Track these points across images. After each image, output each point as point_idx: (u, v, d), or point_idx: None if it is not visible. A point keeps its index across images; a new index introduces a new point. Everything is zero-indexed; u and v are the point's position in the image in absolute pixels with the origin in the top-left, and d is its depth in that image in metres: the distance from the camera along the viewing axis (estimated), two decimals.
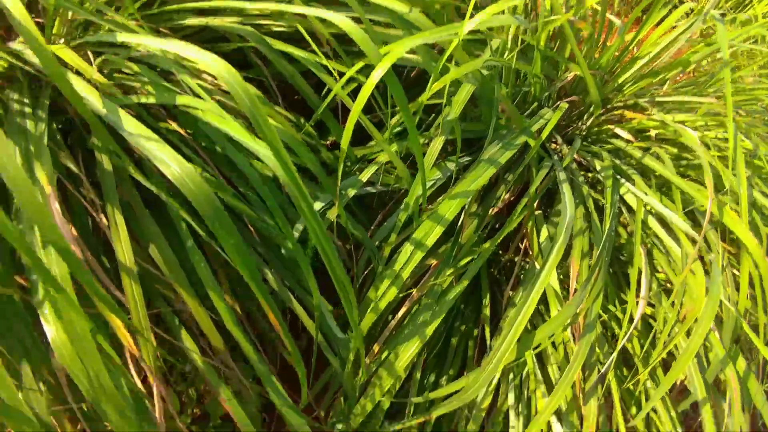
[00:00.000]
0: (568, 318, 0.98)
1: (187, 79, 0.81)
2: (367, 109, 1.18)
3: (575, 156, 1.26)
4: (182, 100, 0.77)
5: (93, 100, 0.74)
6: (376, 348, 1.11)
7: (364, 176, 1.05)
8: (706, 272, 1.03)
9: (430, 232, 0.96)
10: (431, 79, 0.89)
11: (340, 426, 1.11)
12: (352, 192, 1.06)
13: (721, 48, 1.08)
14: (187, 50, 0.70)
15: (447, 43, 0.89)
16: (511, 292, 1.25)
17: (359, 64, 0.82)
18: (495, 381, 1.19)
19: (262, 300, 0.78)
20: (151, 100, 0.79)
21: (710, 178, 0.97)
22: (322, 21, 1.02)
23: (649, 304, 1.23)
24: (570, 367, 0.99)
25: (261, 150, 0.70)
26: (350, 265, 1.20)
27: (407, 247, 0.96)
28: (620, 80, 1.42)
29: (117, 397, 0.68)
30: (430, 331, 1.01)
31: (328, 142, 1.29)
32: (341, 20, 0.80)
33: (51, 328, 0.69)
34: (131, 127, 0.69)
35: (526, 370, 1.24)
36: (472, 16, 0.85)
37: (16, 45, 0.84)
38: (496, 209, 1.23)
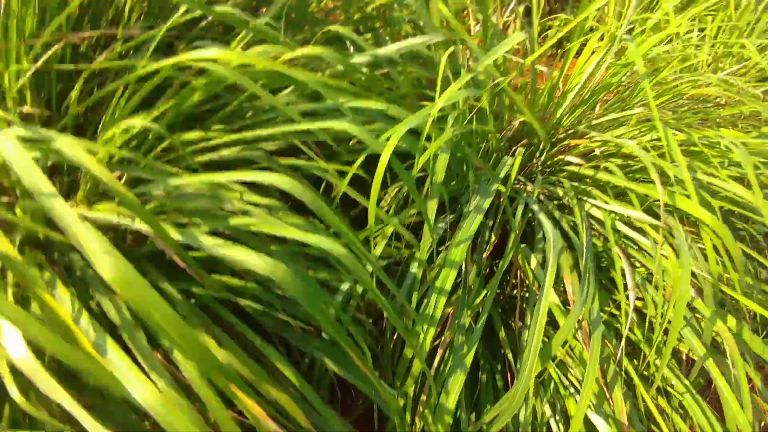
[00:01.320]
0: (575, 321, 1.14)
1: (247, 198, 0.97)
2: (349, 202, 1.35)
3: (540, 189, 1.45)
4: (237, 221, 0.92)
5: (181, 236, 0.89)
6: (423, 396, 1.24)
7: (377, 251, 1.22)
8: (676, 253, 1.21)
9: (446, 278, 1.12)
10: (417, 156, 1.08)
11: None
12: (370, 269, 1.22)
13: (637, 64, 1.27)
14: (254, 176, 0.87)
15: (422, 125, 1.08)
16: (519, 323, 1.41)
17: (363, 156, 1.00)
18: (531, 395, 1.33)
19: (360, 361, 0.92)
20: (208, 227, 0.93)
21: (655, 174, 1.16)
22: (324, 130, 1.19)
23: (638, 298, 1.40)
24: (590, 362, 1.14)
25: (331, 246, 0.86)
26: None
27: (433, 296, 1.12)
28: (557, 115, 1.63)
29: None
30: (468, 360, 1.15)
31: None
32: (343, 125, 0.98)
33: None
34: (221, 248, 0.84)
35: (553, 383, 1.39)
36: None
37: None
38: (487, 253, 1.41)
